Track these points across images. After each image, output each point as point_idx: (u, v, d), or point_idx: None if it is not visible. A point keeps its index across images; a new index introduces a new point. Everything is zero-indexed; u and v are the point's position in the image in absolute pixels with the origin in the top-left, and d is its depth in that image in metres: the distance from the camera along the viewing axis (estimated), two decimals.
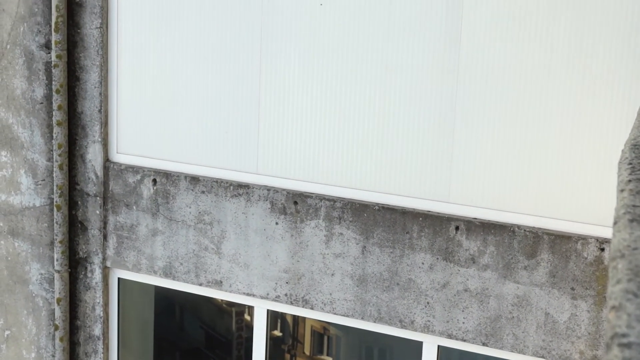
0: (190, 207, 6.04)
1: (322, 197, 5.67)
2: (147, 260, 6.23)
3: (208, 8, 5.83)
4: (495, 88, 5.21)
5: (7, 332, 6.77)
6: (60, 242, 6.35)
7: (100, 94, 6.15)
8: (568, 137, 5.11)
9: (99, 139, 6.21)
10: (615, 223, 2.07)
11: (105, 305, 6.48)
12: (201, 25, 5.87)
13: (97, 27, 6.06)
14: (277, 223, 5.80)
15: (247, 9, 5.72)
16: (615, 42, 4.92)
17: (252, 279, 5.92)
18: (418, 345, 5.62)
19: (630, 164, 2.52)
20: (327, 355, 6.05)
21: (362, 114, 5.55)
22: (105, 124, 6.21)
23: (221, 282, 6.02)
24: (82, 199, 6.35)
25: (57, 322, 6.46)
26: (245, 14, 5.73)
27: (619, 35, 4.91)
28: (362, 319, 5.67)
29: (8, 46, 6.34)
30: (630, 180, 2.33)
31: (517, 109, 5.19)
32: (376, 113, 5.52)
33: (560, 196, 5.18)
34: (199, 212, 6.01)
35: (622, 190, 2.28)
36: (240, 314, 6.29)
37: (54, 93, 6.15)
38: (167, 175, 6.08)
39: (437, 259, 5.42)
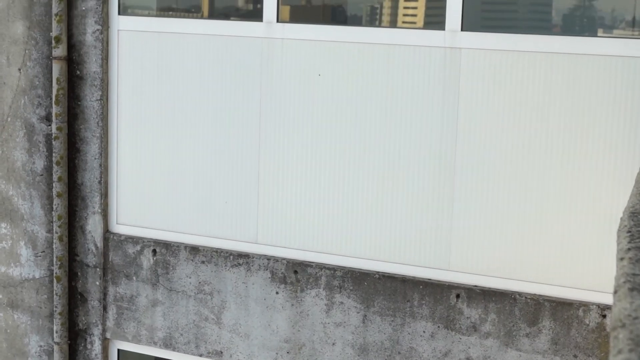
0: (190, 278, 6.02)
1: (322, 266, 5.66)
2: (147, 331, 6.20)
3: (208, 82, 5.89)
4: (494, 156, 5.24)
5: None
6: (60, 313, 6.32)
7: (100, 165, 6.17)
8: (567, 204, 5.12)
9: (99, 210, 6.22)
10: (615, 292, 2.06)
11: None
12: (201, 97, 5.92)
13: (97, 99, 6.11)
14: (277, 292, 5.78)
15: (246, 83, 5.78)
16: (611, 111, 4.96)
17: (253, 349, 5.88)
18: None
19: (629, 231, 2.52)
20: None
21: (361, 183, 5.57)
22: (105, 195, 6.23)
23: (221, 352, 5.98)
24: (82, 270, 6.34)
25: None
26: (244, 87, 5.79)
27: (615, 105, 4.95)
28: None
29: (9, 119, 6.38)
30: (629, 249, 2.33)
31: (515, 177, 5.21)
32: (375, 182, 5.53)
33: (561, 263, 5.17)
34: (199, 282, 6.00)
35: (621, 259, 2.28)
36: None
37: (54, 165, 6.18)
38: (167, 245, 6.08)
39: (439, 327, 5.39)
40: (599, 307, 5.06)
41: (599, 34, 4.99)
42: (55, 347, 6.37)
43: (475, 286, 5.33)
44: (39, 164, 6.34)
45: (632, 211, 2.80)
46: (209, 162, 5.96)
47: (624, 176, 4.98)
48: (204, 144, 5.95)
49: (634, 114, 4.92)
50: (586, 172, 5.06)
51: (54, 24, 6.07)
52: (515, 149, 5.19)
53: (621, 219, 2.80)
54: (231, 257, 5.89)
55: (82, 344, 6.42)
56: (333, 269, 5.63)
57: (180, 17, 6.00)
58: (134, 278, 6.19)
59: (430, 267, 5.46)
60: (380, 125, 5.48)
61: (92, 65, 6.10)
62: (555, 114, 5.08)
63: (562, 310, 5.12)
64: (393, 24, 5.48)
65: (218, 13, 5.94)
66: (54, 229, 6.26)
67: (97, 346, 6.37)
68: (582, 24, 5.06)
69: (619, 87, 4.93)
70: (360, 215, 5.60)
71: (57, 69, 6.10)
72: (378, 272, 5.55)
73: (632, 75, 4.90)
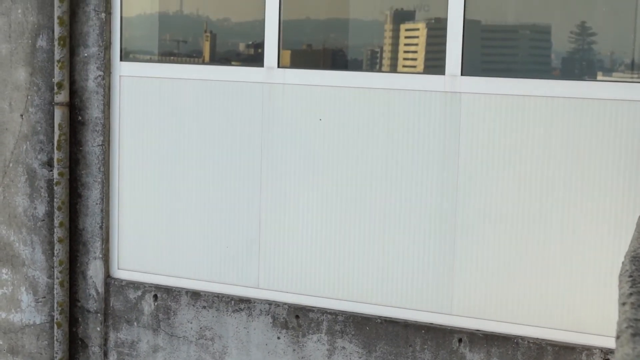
0: (191, 323, 6.00)
1: (323, 311, 5.64)
2: None
3: (209, 127, 5.91)
4: (495, 200, 5.24)
5: None
6: (61, 359, 6.29)
7: (101, 210, 6.18)
8: (570, 249, 5.11)
9: (100, 255, 6.21)
10: (617, 337, 2.05)
11: None
12: (202, 142, 5.94)
13: (99, 145, 6.13)
14: (279, 337, 5.76)
15: (247, 127, 5.79)
16: (611, 154, 4.97)
17: None
18: None
19: (631, 276, 2.51)
20: None
21: (362, 227, 5.57)
22: (106, 240, 6.22)
23: None
24: (82, 315, 6.32)
25: None
26: (246, 132, 5.80)
27: (615, 148, 4.96)
28: None
29: (11, 164, 6.39)
30: (631, 294, 2.32)
31: (517, 221, 5.20)
32: (377, 227, 5.53)
33: (563, 307, 5.15)
34: (200, 328, 5.97)
35: (623, 304, 2.27)
36: None
37: (55, 210, 6.18)
38: (168, 290, 6.06)
39: None
40: (602, 351, 5.03)
41: (598, 78, 5.02)
42: None
43: (478, 330, 5.30)
44: (41, 209, 6.35)
45: (633, 255, 2.79)
46: (210, 206, 5.96)
47: (625, 220, 4.98)
48: (205, 189, 5.96)
49: (634, 158, 4.93)
50: (587, 216, 5.06)
51: (56, 70, 6.10)
52: (516, 192, 5.19)
53: (623, 263, 2.79)
54: (232, 302, 5.87)
55: None
56: (335, 313, 5.61)
57: (181, 62, 6.04)
58: (135, 323, 6.17)
59: (432, 312, 5.44)
60: (381, 169, 5.49)
61: (94, 111, 6.12)
62: (555, 158, 5.08)
63: (565, 354, 5.09)
64: (393, 68, 5.51)
65: (219, 58, 5.98)
66: (55, 274, 6.24)
67: None
68: (581, 67, 5.09)
69: (618, 131, 4.95)
70: (361, 259, 5.59)
71: (59, 114, 6.12)
72: (380, 317, 5.52)
73: (632, 119, 4.91)
